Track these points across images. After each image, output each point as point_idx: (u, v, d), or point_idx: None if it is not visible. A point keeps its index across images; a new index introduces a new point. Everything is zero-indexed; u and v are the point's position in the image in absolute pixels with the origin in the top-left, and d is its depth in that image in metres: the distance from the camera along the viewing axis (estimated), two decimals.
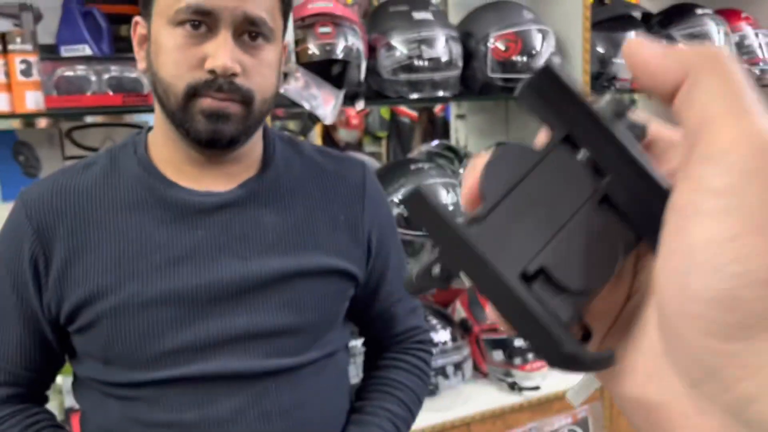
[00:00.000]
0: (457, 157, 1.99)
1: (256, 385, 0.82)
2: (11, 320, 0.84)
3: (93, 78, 1.23)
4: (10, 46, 1.19)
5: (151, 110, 1.33)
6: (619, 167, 0.22)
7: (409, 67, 1.50)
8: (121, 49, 1.41)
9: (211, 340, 0.80)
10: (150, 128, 0.89)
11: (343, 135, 4.15)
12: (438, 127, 4.71)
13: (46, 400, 0.92)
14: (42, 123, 1.51)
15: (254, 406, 0.81)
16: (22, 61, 1.20)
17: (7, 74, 1.20)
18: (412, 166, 1.60)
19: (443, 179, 1.60)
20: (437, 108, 4.19)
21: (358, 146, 4.36)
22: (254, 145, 0.87)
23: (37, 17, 1.32)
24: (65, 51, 1.31)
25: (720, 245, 0.18)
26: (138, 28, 0.83)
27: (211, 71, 0.76)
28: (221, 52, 0.75)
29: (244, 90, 0.78)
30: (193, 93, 0.76)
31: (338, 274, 0.88)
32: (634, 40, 0.22)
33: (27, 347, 0.84)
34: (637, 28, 1.81)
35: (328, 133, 4.01)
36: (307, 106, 1.34)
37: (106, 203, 0.82)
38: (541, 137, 0.24)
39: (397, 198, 1.53)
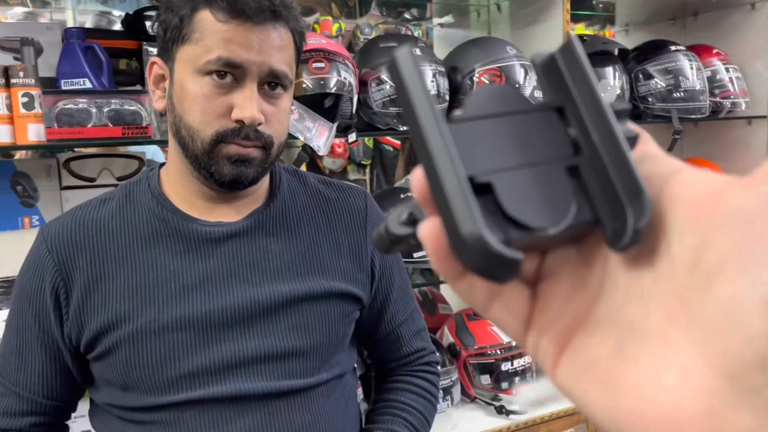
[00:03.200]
0: None
1: (268, 406, 0.85)
2: (34, 351, 0.87)
3: (93, 110, 1.26)
4: (13, 80, 1.22)
5: (148, 142, 1.36)
6: (603, 151, 0.22)
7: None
8: (119, 82, 1.44)
9: (225, 363, 0.84)
10: (162, 164, 0.94)
11: (328, 163, 4.19)
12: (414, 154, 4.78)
13: (66, 429, 0.95)
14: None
15: (267, 427, 0.84)
16: (25, 95, 1.23)
17: (9, 107, 1.23)
18: (402, 195, 1.65)
19: None
20: None
21: (342, 174, 4.42)
22: (262, 179, 0.92)
23: (38, 51, 1.35)
24: (65, 84, 1.35)
25: None
26: (155, 68, 0.88)
27: (239, 121, 0.81)
28: (249, 105, 0.81)
29: (266, 136, 0.84)
30: (220, 139, 0.82)
31: (343, 297, 0.93)
32: None
33: (49, 377, 0.87)
34: (615, 63, 1.89)
35: (313, 160, 4.05)
36: (302, 137, 1.39)
37: (123, 235, 0.86)
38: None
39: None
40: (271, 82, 0.85)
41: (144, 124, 1.31)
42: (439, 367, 1.09)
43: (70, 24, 3.29)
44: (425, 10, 2.61)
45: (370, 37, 4.13)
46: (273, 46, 0.83)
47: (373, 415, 1.02)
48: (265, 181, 0.94)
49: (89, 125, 1.27)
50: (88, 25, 3.06)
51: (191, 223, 0.88)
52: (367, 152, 4.67)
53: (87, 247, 0.86)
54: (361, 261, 0.96)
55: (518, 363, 1.70)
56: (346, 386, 0.96)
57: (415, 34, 3.98)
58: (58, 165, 1.44)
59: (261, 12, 0.81)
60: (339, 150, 4.44)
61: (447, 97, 1.62)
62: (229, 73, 0.81)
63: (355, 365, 1.03)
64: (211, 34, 0.81)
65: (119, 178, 1.50)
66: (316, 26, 3.65)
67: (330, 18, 3.71)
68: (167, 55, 0.86)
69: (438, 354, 1.10)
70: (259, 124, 0.83)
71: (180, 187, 0.90)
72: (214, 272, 0.86)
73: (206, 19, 0.81)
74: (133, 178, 0.95)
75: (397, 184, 2.15)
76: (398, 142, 4.43)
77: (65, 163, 1.45)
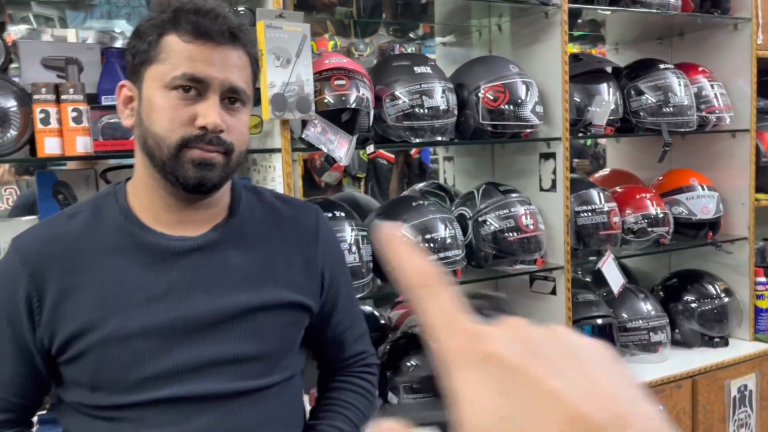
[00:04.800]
0: (448, 195, 2.16)
1: (226, 404, 0.94)
2: (6, 354, 0.94)
3: None
4: (63, 96, 1.33)
5: None
6: None
7: (411, 115, 1.67)
8: None
9: (186, 366, 0.92)
10: (128, 179, 1.02)
11: (324, 176, 4.29)
12: (414, 169, 4.90)
13: (32, 424, 1.02)
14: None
15: (224, 423, 0.93)
16: (74, 110, 1.33)
17: (60, 121, 1.33)
18: (414, 203, 1.76)
19: (441, 215, 1.76)
20: (413, 151, 4.39)
21: (338, 186, 4.52)
22: (223, 194, 1.01)
23: (80, 69, 1.45)
24: (105, 100, 1.45)
25: None
26: (123, 90, 0.97)
27: (203, 127, 0.90)
28: (211, 113, 0.90)
29: (227, 143, 0.93)
30: (185, 145, 0.91)
31: (295, 307, 1.02)
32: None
33: (20, 378, 0.95)
34: (609, 80, 2.02)
35: (310, 173, 4.15)
36: (325, 149, 1.50)
37: (92, 248, 0.94)
38: None
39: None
40: (231, 97, 0.94)
41: None
42: (377, 369, 1.18)
43: (72, 40, 3.38)
44: (419, 29, 2.73)
45: (364, 54, 4.26)
46: (233, 65, 0.92)
47: (317, 411, 1.11)
48: (226, 196, 1.01)
49: (131, 137, 1.37)
50: (90, 41, 3.15)
51: (156, 237, 0.95)
52: (362, 165, 4.79)
53: (58, 259, 0.92)
54: (312, 273, 1.05)
55: None
56: (294, 386, 1.05)
57: (408, 50, 4.11)
58: (96, 175, 1.54)
59: (221, 34, 0.91)
60: None
61: (455, 112, 1.74)
62: (193, 87, 0.90)
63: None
64: (177, 54, 0.90)
65: None
66: (312, 44, 3.77)
67: (326, 35, 3.84)
68: (135, 77, 0.94)
69: (376, 357, 1.21)
70: (221, 131, 0.91)
71: (146, 201, 0.97)
72: (177, 283, 0.93)
73: (172, 41, 0.91)
74: (100, 192, 1.03)
75: (404, 193, 2.26)
76: (392, 156, 4.55)
77: (102, 173, 1.54)
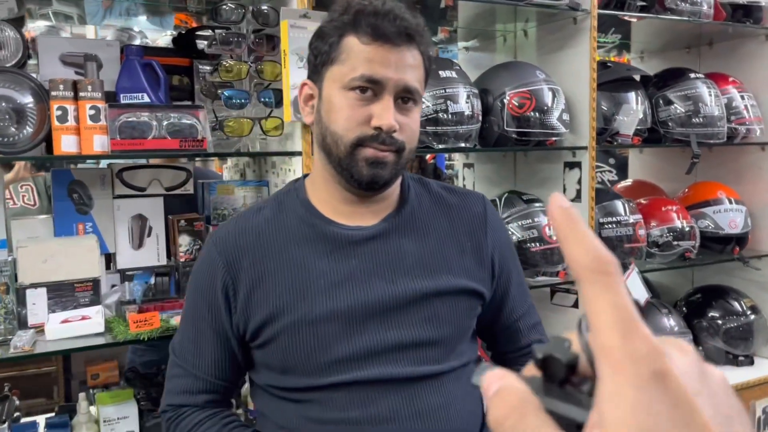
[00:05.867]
0: None
1: (408, 388, 0.95)
2: (207, 339, 1.00)
3: (154, 123, 1.33)
4: (81, 93, 1.29)
5: (204, 154, 1.43)
6: None
7: (435, 120, 1.62)
8: (172, 97, 1.51)
9: (369, 350, 0.95)
10: (306, 175, 1.06)
11: None
12: (428, 174, 4.86)
13: (232, 405, 1.08)
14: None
15: (407, 406, 0.95)
16: (92, 107, 1.29)
17: (77, 119, 1.29)
18: None
19: None
20: (428, 156, 4.35)
21: None
22: (395, 186, 1.03)
23: (99, 66, 1.42)
24: (124, 98, 1.41)
25: None
26: (305, 88, 1.01)
27: (377, 128, 0.93)
28: (386, 114, 0.92)
29: (399, 143, 0.95)
30: (360, 143, 0.93)
31: (467, 293, 1.03)
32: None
33: (220, 361, 1.01)
34: (638, 88, 1.96)
35: None
36: None
37: (278, 239, 0.99)
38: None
39: None
40: (404, 97, 0.96)
41: (199, 138, 1.38)
42: None
43: (90, 37, 3.36)
44: (438, 33, 2.69)
45: None
46: (408, 65, 0.94)
47: None
48: (396, 188, 1.04)
49: (149, 137, 1.33)
50: (109, 39, 3.13)
51: (335, 227, 0.99)
52: None
53: (249, 250, 0.99)
54: (483, 260, 1.06)
55: None
56: (471, 373, 1.03)
57: None
58: (112, 175, 1.51)
59: (399, 35, 0.93)
60: None
61: (480, 118, 1.70)
62: (370, 88, 0.93)
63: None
64: (356, 55, 0.93)
65: (168, 189, 1.56)
66: None
67: None
68: (317, 76, 0.99)
69: None
70: (394, 131, 0.94)
71: (325, 194, 1.02)
72: (356, 270, 0.97)
73: (352, 42, 0.94)
74: (281, 189, 1.08)
75: None
76: None
77: (118, 173, 1.51)
